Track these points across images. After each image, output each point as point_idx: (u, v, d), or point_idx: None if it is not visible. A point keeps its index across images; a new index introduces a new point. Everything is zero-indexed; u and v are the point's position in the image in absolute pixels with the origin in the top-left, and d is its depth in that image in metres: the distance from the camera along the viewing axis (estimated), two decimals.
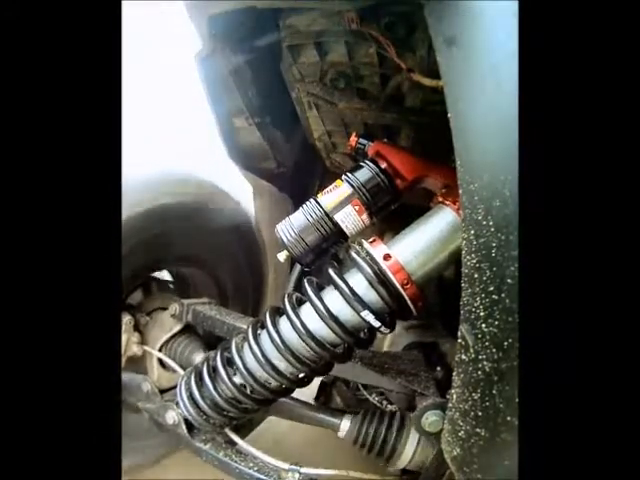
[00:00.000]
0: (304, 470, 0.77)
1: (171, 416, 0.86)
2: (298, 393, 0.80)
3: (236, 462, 0.80)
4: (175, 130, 2.12)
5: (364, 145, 0.84)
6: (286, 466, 0.78)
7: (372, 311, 0.61)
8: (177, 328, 1.09)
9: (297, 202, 0.79)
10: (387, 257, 0.62)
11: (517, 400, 0.43)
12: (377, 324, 0.62)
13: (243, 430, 0.90)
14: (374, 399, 0.92)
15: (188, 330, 1.10)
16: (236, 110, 1.05)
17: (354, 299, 0.62)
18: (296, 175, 1.28)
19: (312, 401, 1.07)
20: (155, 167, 1.12)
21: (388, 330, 0.65)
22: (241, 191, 1.29)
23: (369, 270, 0.61)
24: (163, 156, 1.20)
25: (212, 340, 1.08)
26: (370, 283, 0.62)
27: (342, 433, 0.85)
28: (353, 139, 0.86)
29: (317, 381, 1.02)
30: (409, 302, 0.62)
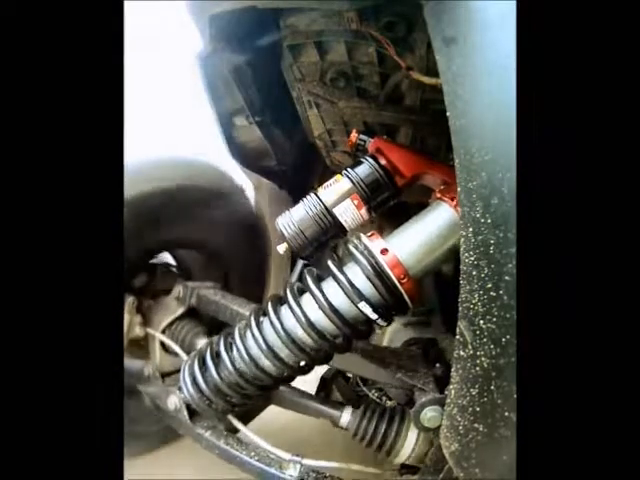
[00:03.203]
0: (306, 461, 0.77)
1: (173, 401, 0.85)
2: (299, 386, 0.79)
3: (237, 450, 0.79)
4: (176, 127, 2.13)
5: (364, 142, 0.85)
6: (288, 457, 0.78)
7: (369, 303, 0.62)
8: (180, 311, 1.07)
9: (297, 200, 0.79)
10: (384, 251, 0.62)
11: (515, 396, 0.44)
12: (374, 316, 0.63)
13: (244, 419, 0.89)
14: (373, 395, 0.93)
15: (191, 314, 1.09)
16: (237, 109, 1.05)
17: (352, 290, 0.62)
18: (296, 173, 1.28)
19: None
20: (160, 150, 1.11)
21: (385, 323, 0.65)
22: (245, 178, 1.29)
23: (366, 263, 0.62)
24: (166, 141, 1.19)
25: (215, 324, 1.06)
26: (367, 276, 0.62)
27: (343, 425, 0.85)
28: (354, 135, 0.86)
29: (317, 377, 1.02)
30: (405, 296, 0.62)
